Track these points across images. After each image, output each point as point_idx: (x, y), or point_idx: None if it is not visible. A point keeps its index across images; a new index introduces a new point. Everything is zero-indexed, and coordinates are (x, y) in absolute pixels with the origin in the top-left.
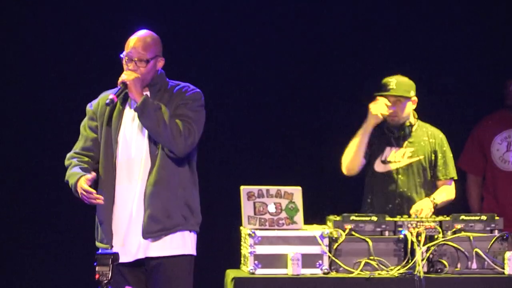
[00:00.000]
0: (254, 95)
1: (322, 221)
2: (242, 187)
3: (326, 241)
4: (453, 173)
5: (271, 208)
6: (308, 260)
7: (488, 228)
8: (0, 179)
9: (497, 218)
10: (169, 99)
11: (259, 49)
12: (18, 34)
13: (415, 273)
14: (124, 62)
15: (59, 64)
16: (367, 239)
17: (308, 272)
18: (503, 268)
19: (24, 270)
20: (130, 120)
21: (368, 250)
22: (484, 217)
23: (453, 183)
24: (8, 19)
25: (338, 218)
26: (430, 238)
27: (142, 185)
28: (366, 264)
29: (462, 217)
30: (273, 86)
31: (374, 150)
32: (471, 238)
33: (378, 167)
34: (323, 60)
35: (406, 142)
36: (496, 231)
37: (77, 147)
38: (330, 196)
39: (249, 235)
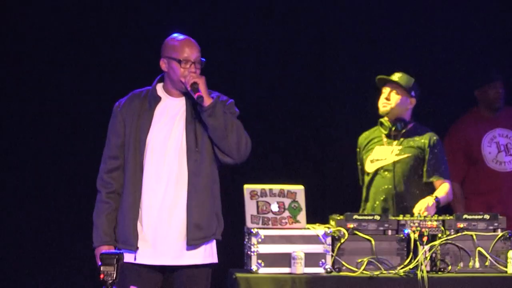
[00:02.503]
0: (256, 94)
1: (325, 220)
2: (245, 186)
3: (329, 240)
4: (446, 175)
5: (274, 207)
6: (311, 259)
7: (491, 227)
8: (0, 179)
9: (500, 217)
10: None
11: (260, 48)
12: (20, 31)
13: (418, 272)
14: (176, 65)
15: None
16: (370, 238)
17: (311, 271)
18: (506, 267)
19: (25, 269)
20: (161, 123)
21: (371, 249)
22: (487, 216)
23: (450, 184)
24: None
25: (341, 217)
26: (433, 237)
27: (180, 190)
28: (369, 263)
29: (465, 216)
30: (276, 85)
31: (366, 153)
32: (474, 237)
33: (368, 167)
34: (324, 60)
35: (395, 141)
36: (499, 230)
37: (105, 158)
38: (333, 195)
39: (252, 234)
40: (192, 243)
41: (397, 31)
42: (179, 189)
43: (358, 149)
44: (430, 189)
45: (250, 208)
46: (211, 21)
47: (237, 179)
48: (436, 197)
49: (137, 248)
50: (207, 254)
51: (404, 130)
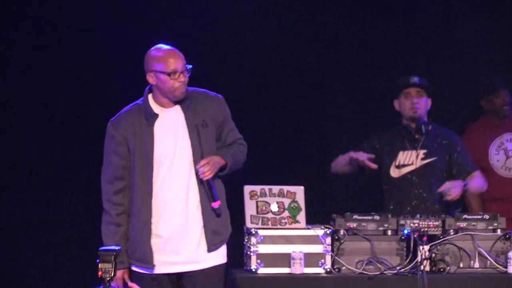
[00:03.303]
0: (256, 94)
1: (325, 220)
2: (244, 186)
3: (329, 240)
4: (474, 167)
5: (274, 207)
6: (311, 259)
7: (490, 227)
8: (0, 179)
9: (500, 217)
10: (202, 109)
11: (260, 48)
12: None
13: (418, 272)
14: (165, 78)
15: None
16: (370, 238)
17: (310, 271)
18: (506, 267)
19: (28, 269)
20: (164, 137)
21: (371, 249)
22: (486, 216)
23: (480, 173)
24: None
25: (340, 217)
26: (432, 237)
27: (193, 199)
28: (369, 263)
29: (465, 216)
30: (276, 85)
31: (387, 158)
32: (474, 237)
33: (394, 172)
34: (325, 60)
35: (419, 144)
36: (499, 230)
37: (110, 179)
38: (332, 195)
39: (252, 234)
40: (212, 249)
41: (401, 39)
42: (192, 198)
43: (366, 144)
44: None
45: (250, 208)
46: (207, 16)
47: (237, 179)
48: (467, 183)
49: (154, 265)
50: (222, 255)
51: (427, 133)
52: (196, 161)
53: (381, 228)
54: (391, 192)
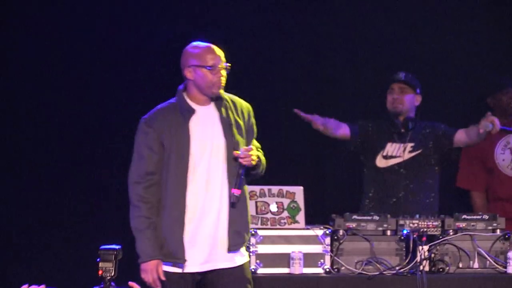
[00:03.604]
0: (254, 94)
1: (324, 221)
2: (244, 187)
3: (328, 240)
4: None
5: (273, 207)
6: (310, 259)
7: (490, 228)
8: (0, 179)
9: (499, 217)
10: (236, 111)
11: (259, 48)
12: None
13: (417, 272)
14: (205, 72)
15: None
16: (369, 239)
17: (310, 271)
18: (505, 267)
19: (29, 268)
20: (199, 134)
21: (370, 249)
22: (486, 217)
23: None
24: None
25: (340, 217)
26: (432, 238)
27: (223, 198)
28: (368, 263)
29: (464, 216)
30: (275, 85)
31: (375, 146)
32: (473, 237)
33: (380, 162)
34: (324, 59)
35: (407, 138)
36: (498, 230)
37: (141, 174)
38: (331, 195)
39: (251, 234)
40: (233, 249)
41: (405, 36)
42: (223, 198)
43: (361, 127)
44: (440, 177)
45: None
46: (211, 18)
47: None
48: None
49: (185, 260)
50: (244, 254)
51: (413, 128)
52: (229, 159)
53: (381, 228)
54: (374, 180)
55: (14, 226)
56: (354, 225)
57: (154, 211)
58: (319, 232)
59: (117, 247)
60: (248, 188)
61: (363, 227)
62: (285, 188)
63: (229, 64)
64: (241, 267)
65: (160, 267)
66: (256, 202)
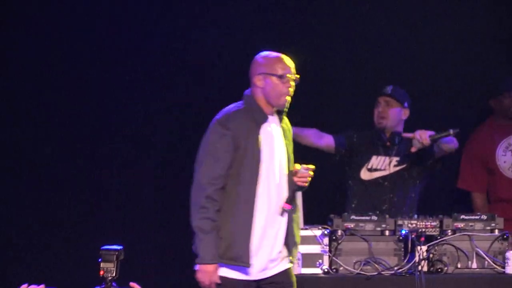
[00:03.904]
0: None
1: (323, 221)
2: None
3: (326, 240)
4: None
5: None
6: (308, 260)
7: (488, 228)
8: (0, 179)
9: (497, 217)
10: (288, 128)
11: (253, 49)
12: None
13: (416, 272)
14: (275, 81)
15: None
16: (368, 239)
17: (308, 271)
18: (504, 268)
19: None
20: (268, 142)
21: (369, 249)
22: (484, 217)
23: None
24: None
25: (338, 218)
26: (430, 238)
27: (280, 208)
28: (366, 263)
29: (462, 216)
30: None
31: (360, 158)
32: (472, 237)
33: (364, 175)
34: (319, 61)
35: (393, 152)
36: (497, 230)
37: (215, 176)
38: (330, 196)
39: None
40: (285, 260)
41: (404, 40)
42: (279, 207)
43: (347, 139)
44: (424, 191)
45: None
46: (200, 16)
47: None
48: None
49: (250, 264)
50: (289, 261)
51: (400, 142)
52: (287, 174)
53: (379, 229)
54: (358, 191)
55: (14, 226)
56: (352, 225)
57: (219, 214)
58: (317, 232)
59: (118, 247)
60: None
61: (362, 227)
62: None
63: (298, 76)
64: (287, 271)
65: (218, 271)
66: None
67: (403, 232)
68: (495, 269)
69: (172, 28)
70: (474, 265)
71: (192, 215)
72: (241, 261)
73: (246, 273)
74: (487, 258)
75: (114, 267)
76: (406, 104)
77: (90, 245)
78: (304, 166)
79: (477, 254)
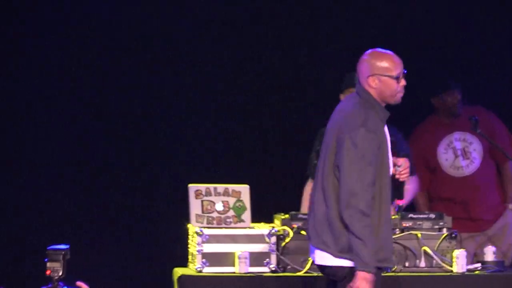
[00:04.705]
0: (211, 93)
1: (270, 219)
2: (189, 185)
3: (274, 239)
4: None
5: (219, 206)
6: (256, 258)
7: (436, 227)
8: (0, 179)
9: (445, 216)
10: None
11: (253, 49)
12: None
13: None
14: (392, 81)
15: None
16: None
17: (255, 270)
18: (451, 266)
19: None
20: (388, 142)
21: None
22: (432, 216)
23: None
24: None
25: (285, 216)
26: None
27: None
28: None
29: (410, 215)
30: (231, 84)
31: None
32: (419, 236)
33: None
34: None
35: None
36: (445, 229)
37: (370, 180)
38: (278, 194)
39: (197, 233)
40: None
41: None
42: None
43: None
44: None
45: (195, 207)
46: (197, 20)
47: (181, 178)
48: None
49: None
50: None
51: None
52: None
53: None
54: None
55: (14, 226)
56: (300, 224)
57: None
58: (265, 231)
59: (65, 247)
60: (193, 187)
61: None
62: (231, 187)
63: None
64: None
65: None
66: (201, 201)
67: None
68: (443, 268)
69: (171, 28)
70: (422, 264)
71: (352, 222)
72: (390, 262)
73: (388, 271)
74: (435, 257)
75: (60, 267)
76: None
77: (89, 246)
78: (400, 159)
79: (425, 253)
